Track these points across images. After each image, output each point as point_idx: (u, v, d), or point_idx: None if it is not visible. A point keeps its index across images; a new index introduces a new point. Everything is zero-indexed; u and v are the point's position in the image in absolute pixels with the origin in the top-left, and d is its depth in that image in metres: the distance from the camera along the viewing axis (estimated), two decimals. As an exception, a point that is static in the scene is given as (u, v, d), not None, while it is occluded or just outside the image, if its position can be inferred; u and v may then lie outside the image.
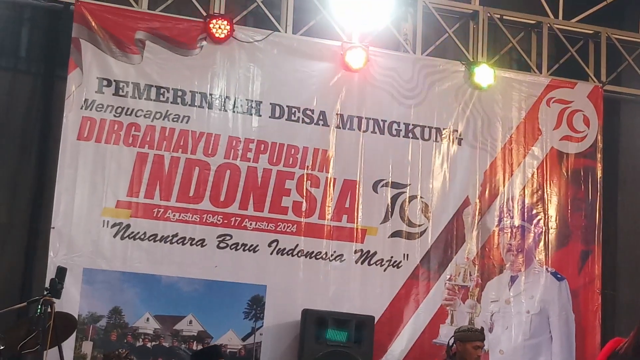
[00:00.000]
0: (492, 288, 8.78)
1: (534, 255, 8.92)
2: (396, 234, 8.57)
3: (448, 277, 8.65)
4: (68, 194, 7.68)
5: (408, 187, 8.62)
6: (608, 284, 8.90)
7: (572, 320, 8.87)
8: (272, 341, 7.98)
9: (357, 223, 8.43)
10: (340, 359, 7.69)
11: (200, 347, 7.73)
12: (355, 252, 8.39)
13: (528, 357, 8.70)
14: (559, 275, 8.93)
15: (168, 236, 7.89)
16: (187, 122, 8.07)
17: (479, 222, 8.83)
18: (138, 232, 7.82)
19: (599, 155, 9.13)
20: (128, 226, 7.79)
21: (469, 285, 8.72)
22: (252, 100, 8.25)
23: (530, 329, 8.77)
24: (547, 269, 8.91)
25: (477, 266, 8.77)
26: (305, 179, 8.30)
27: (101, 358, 7.48)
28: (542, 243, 8.94)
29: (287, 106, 8.33)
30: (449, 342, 7.69)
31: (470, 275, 8.75)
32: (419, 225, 8.65)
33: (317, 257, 8.26)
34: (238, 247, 8.04)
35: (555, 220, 9.00)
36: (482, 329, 8.00)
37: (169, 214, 7.92)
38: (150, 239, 7.84)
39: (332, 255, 8.31)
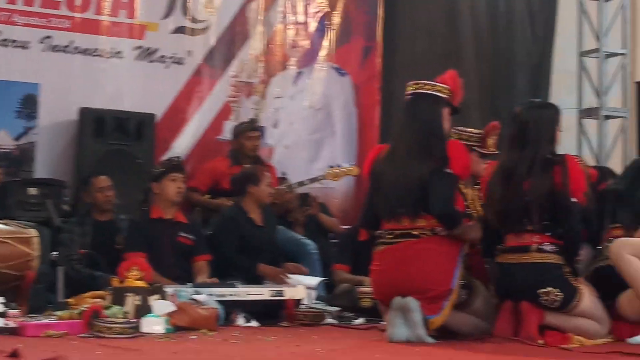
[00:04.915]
0: (277, 84, 8.81)
1: (318, 52, 8.95)
2: (179, 30, 8.36)
3: (232, 74, 8.57)
4: None
5: (189, -19, 8.38)
6: (387, 79, 9.07)
7: (355, 114, 9.07)
8: (48, 141, 7.72)
9: (136, 18, 8.15)
10: (120, 157, 7.59)
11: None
12: (135, 48, 8.14)
13: (312, 151, 8.86)
14: (341, 71, 9.03)
15: None
16: None
17: (264, 18, 8.72)
18: None
19: (381, -51, 9.15)
20: None
21: (253, 82, 8.69)
22: None
23: (313, 124, 8.91)
24: (330, 65, 8.98)
25: (261, 63, 8.73)
26: (78, -29, 7.90)
27: None
28: (325, 39, 8.97)
29: None
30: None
31: (255, 71, 8.71)
32: (203, 21, 8.46)
33: (94, 54, 7.97)
34: (7, 44, 7.62)
35: (339, 17, 9.01)
36: (253, 119, 8.11)
37: None
38: None
39: (110, 52, 8.03)
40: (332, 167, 7.98)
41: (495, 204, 4.93)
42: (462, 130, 5.98)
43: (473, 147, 5.85)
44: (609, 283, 4.92)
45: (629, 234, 5.15)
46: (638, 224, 5.13)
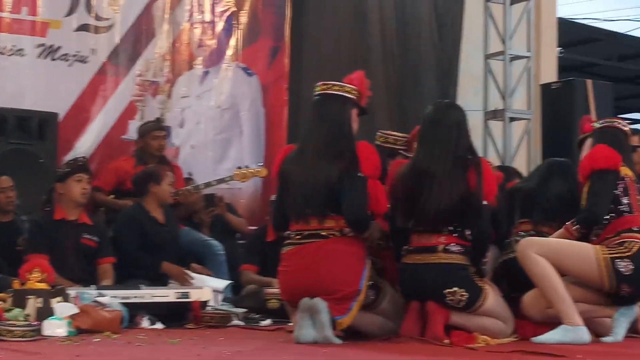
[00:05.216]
0: (183, 84, 8.72)
1: (225, 51, 8.88)
2: (82, 27, 8.21)
3: (138, 72, 8.45)
4: None
5: (92, -20, 8.24)
6: (295, 79, 9.06)
7: (262, 114, 9.03)
8: (-53, 140, 7.52)
9: (38, 15, 7.97)
10: (22, 157, 7.41)
11: None
12: (37, 46, 7.97)
13: (219, 151, 8.79)
14: (249, 71, 8.98)
15: None
16: None
17: (170, 16, 8.62)
18: None
19: (290, -49, 9.12)
20: None
21: (159, 81, 8.59)
22: None
23: (220, 124, 8.84)
24: (237, 64, 8.92)
25: (167, 61, 8.62)
26: (-24, -31, 7.70)
27: None
28: (232, 39, 8.90)
29: None
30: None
31: (161, 70, 8.61)
32: (107, 19, 8.33)
33: (-6, 52, 7.80)
34: None
35: (246, 16, 8.95)
36: (158, 119, 8.03)
37: None
38: None
39: (11, 49, 7.84)
40: (240, 168, 7.91)
41: (408, 203, 4.91)
42: (388, 134, 5.98)
43: (399, 151, 5.86)
44: (516, 276, 4.98)
45: (537, 229, 5.24)
46: (548, 221, 5.22)
